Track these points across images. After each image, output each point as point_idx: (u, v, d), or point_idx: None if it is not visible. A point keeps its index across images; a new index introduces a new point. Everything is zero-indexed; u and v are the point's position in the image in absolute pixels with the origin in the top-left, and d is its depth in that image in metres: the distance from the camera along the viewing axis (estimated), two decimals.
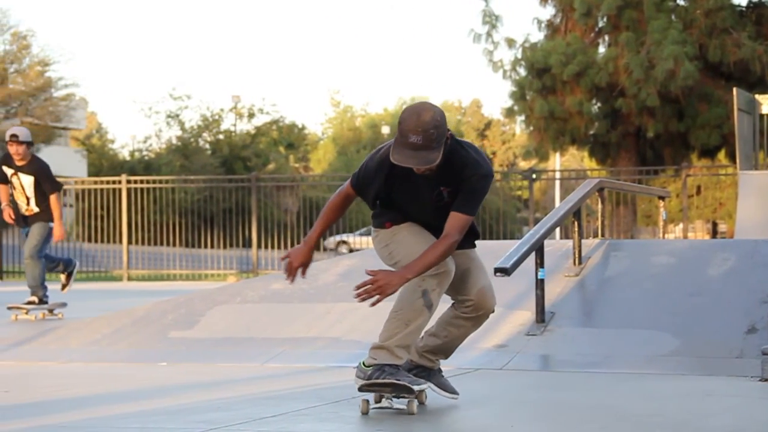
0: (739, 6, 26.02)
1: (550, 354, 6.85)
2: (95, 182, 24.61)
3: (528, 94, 26.27)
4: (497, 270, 6.38)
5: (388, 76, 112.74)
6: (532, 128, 27.19)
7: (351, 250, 29.24)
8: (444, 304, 5.03)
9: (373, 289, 4.63)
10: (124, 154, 55.32)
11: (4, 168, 10.60)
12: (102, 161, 51.59)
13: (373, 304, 4.70)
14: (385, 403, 4.88)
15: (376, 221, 4.97)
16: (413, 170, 4.67)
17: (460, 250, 4.90)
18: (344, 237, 30.01)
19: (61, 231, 10.52)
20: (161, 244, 24.74)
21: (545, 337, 7.05)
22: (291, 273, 4.96)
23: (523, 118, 27.35)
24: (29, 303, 10.64)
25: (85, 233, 25.82)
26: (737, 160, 13.98)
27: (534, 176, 23.71)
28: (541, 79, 25.66)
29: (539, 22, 27.41)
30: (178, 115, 50.71)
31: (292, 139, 57.47)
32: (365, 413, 4.79)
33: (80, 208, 25.18)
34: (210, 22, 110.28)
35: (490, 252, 7.45)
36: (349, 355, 6.75)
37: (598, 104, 26.48)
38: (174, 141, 50.96)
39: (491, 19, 26.65)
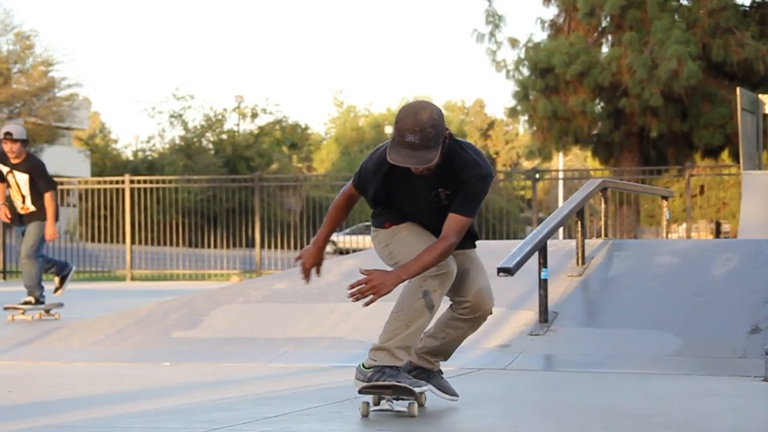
0: (742, 6, 26.01)
1: (554, 354, 6.85)
2: (98, 182, 24.61)
3: (531, 94, 26.27)
4: (500, 270, 6.38)
5: (391, 76, 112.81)
6: (535, 128, 27.19)
7: (337, 250, 29.28)
8: (445, 304, 5.02)
9: (367, 288, 4.56)
10: (128, 154, 55.41)
11: (0, 166, 10.56)
12: (105, 161, 51.61)
13: (367, 304, 4.61)
14: (385, 405, 4.80)
15: (375, 221, 4.90)
16: (411, 170, 4.60)
17: (459, 250, 4.83)
18: (332, 236, 30.01)
19: (53, 230, 10.41)
20: (164, 244, 24.75)
21: (548, 337, 7.05)
22: (305, 274, 4.96)
23: (526, 117, 27.35)
24: (26, 303, 10.59)
25: (88, 233, 25.83)
26: (741, 160, 13.97)
27: (537, 176, 23.71)
28: (545, 78, 25.66)
29: (542, 21, 27.41)
30: (181, 115, 50.74)
31: (295, 139, 57.47)
32: (365, 416, 4.73)
33: (83, 208, 25.20)
34: (213, 22, 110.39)
35: (493, 252, 7.45)
36: (353, 355, 6.74)
37: (602, 104, 26.48)
38: (177, 141, 50.99)
39: (494, 19, 26.67)
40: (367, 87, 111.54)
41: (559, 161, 40.83)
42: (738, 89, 13.97)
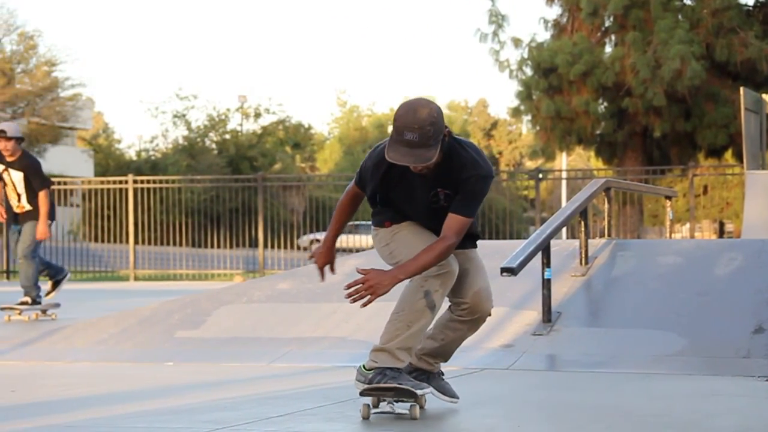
0: (746, 5, 25.97)
1: (557, 354, 6.84)
2: (102, 182, 24.63)
3: (534, 94, 26.24)
4: (504, 270, 6.37)
5: (394, 76, 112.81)
6: (538, 128, 27.16)
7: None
8: (445, 305, 5.00)
9: (364, 289, 4.48)
10: (131, 154, 55.43)
11: None
12: (109, 161, 51.63)
13: (364, 305, 4.52)
14: (386, 407, 4.73)
15: (375, 219, 4.82)
16: (410, 169, 4.52)
17: (459, 250, 4.72)
18: (317, 236, 30.08)
19: (44, 229, 10.33)
20: (168, 244, 24.77)
21: (552, 337, 7.04)
22: (320, 273, 4.94)
23: (529, 117, 27.32)
24: (22, 303, 10.56)
25: (91, 233, 25.87)
26: (744, 160, 13.97)
27: (540, 176, 23.72)
28: (548, 78, 25.64)
29: (545, 21, 27.38)
30: (184, 115, 50.76)
31: (298, 138, 57.49)
32: (366, 418, 4.66)
33: (87, 208, 25.23)
34: (216, 22, 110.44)
35: (496, 252, 7.46)
36: (356, 354, 6.74)
37: (605, 104, 26.45)
38: (180, 141, 51.02)
39: (497, 19, 26.64)
40: (370, 87, 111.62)
41: (563, 161, 40.78)
42: (741, 89, 13.97)
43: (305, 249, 26.08)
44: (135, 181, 23.14)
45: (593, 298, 7.78)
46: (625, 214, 24.97)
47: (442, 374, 5.02)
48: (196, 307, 8.38)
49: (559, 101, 25.74)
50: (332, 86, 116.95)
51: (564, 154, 34.87)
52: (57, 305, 10.80)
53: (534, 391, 5.80)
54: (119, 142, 60.01)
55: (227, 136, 51.69)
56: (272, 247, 23.80)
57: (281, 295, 8.42)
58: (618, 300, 7.66)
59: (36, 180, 10.40)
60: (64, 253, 23.57)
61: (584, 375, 6.28)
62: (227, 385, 6.04)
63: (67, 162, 47.03)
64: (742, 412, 4.99)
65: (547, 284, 7.17)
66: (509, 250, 6.86)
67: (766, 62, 24.10)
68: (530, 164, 58.44)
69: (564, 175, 31.72)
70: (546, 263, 7.15)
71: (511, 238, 24.92)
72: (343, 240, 27.23)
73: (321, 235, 30.11)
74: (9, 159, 10.41)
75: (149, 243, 24.51)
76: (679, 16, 25.06)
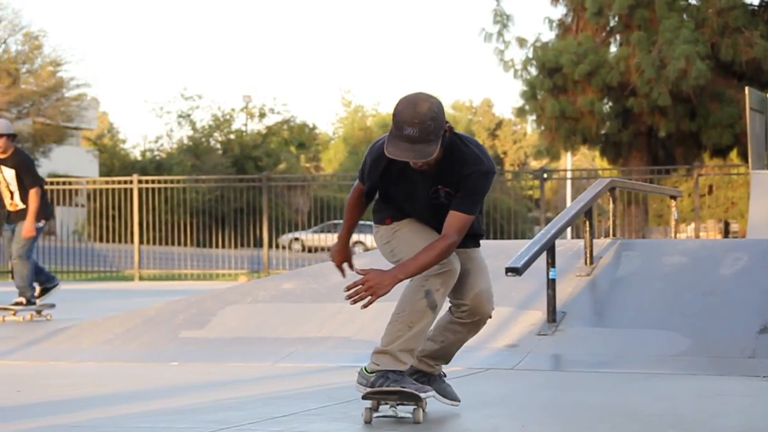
0: (751, 5, 25.95)
1: (562, 354, 6.84)
2: (107, 182, 24.66)
3: (539, 94, 26.24)
4: (508, 270, 6.36)
5: (398, 76, 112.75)
6: (543, 128, 27.16)
7: (304, 248, 29.39)
8: (445, 305, 4.97)
9: (364, 289, 4.39)
10: (136, 154, 55.44)
11: None
12: (113, 161, 51.69)
13: (365, 306, 4.44)
14: (389, 411, 4.62)
15: (376, 216, 4.74)
16: (410, 165, 4.40)
17: (461, 249, 4.62)
18: (297, 234, 30.08)
19: (29, 227, 10.21)
20: (172, 243, 24.79)
21: (556, 337, 7.04)
22: (340, 270, 4.91)
23: (534, 117, 27.32)
24: (17, 304, 10.51)
25: (96, 233, 25.89)
26: (749, 160, 13.94)
27: (545, 176, 23.69)
28: (553, 78, 25.63)
29: (550, 21, 27.38)
30: (189, 115, 50.80)
31: (303, 138, 57.49)
32: (368, 422, 4.57)
33: (92, 207, 25.25)
34: (221, 22, 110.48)
35: (501, 251, 7.45)
36: (360, 354, 6.73)
37: (610, 104, 26.44)
38: (185, 141, 51.05)
39: (502, 19, 26.64)
40: (374, 87, 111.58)
41: (567, 161, 40.81)
42: (747, 89, 13.93)
43: (284, 248, 26.04)
44: (140, 181, 23.16)
45: (598, 298, 7.77)
46: (630, 214, 24.95)
47: (444, 376, 4.94)
48: (200, 307, 8.38)
49: (564, 101, 25.74)
50: (337, 86, 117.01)
51: (569, 154, 34.90)
52: (52, 306, 10.73)
53: (539, 391, 5.80)
54: (124, 142, 60.16)
55: (232, 136, 51.71)
56: (277, 247, 23.82)
57: (286, 295, 8.41)
58: (623, 300, 7.65)
59: (28, 177, 10.30)
60: (68, 252, 23.60)
61: (589, 375, 6.28)
62: (232, 385, 6.04)
63: (71, 162, 47.11)
64: (747, 412, 4.99)
65: (551, 284, 7.16)
66: (514, 249, 6.86)
67: None
68: (535, 164, 58.39)
69: (569, 174, 31.72)
70: (551, 263, 7.15)
71: (516, 237, 24.90)
72: (319, 239, 27.18)
73: (299, 234, 30.23)
74: (1, 156, 10.32)
75: (154, 243, 24.53)
76: (684, 16, 25.05)
